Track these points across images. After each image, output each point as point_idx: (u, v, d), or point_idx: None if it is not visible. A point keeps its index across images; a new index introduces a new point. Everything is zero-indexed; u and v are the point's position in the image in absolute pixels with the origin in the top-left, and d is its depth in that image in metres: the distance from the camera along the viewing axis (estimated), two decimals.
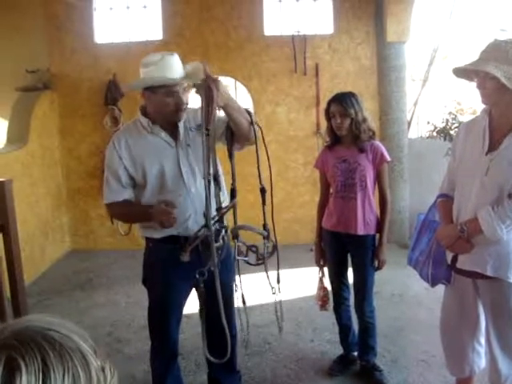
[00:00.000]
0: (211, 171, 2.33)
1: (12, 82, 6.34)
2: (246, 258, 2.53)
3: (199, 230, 2.48)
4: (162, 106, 2.57)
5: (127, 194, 2.68)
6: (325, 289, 3.64)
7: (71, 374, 0.78)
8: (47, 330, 0.81)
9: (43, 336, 0.80)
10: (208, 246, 2.34)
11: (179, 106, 2.57)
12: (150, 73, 2.53)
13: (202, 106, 2.27)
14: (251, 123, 2.47)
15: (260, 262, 2.47)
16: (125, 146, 2.63)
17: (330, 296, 3.64)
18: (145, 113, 2.68)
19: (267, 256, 2.47)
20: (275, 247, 2.49)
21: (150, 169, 2.62)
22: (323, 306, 3.68)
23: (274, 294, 2.55)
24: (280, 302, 2.62)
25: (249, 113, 2.51)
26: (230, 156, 2.62)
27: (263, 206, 2.47)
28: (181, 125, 2.66)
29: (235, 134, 2.55)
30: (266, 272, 2.47)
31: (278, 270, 2.50)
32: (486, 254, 2.40)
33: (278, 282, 2.56)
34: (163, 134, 2.64)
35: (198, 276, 2.39)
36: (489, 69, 2.26)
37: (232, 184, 2.57)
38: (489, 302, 2.50)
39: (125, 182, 2.65)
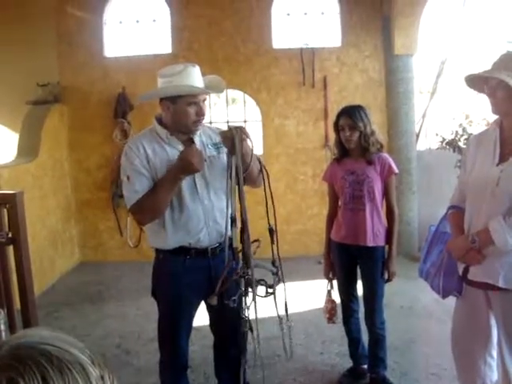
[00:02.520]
0: (231, 212, 2.45)
1: (23, 96, 6.42)
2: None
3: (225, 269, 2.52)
4: (182, 116, 2.56)
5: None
6: (333, 301, 3.62)
7: None
8: (43, 344, 0.80)
9: (40, 352, 0.78)
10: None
11: (200, 117, 2.58)
12: (171, 82, 2.53)
13: (235, 156, 2.41)
14: (260, 170, 2.57)
15: (268, 294, 2.55)
16: (143, 152, 2.59)
17: (338, 309, 3.62)
18: (160, 122, 2.67)
19: (275, 288, 2.55)
20: (281, 280, 2.59)
21: None
22: (330, 319, 3.66)
23: (281, 324, 2.59)
24: (289, 330, 2.65)
25: (259, 160, 2.59)
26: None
27: (272, 245, 2.55)
28: (197, 140, 2.66)
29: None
30: (276, 306, 2.56)
31: (285, 300, 2.58)
32: (497, 265, 2.39)
33: (286, 311, 2.62)
34: (180, 147, 2.61)
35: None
36: (501, 76, 2.27)
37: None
38: (501, 313, 2.47)
39: (146, 181, 2.58)
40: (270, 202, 2.50)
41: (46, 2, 6.59)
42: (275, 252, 2.53)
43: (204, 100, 2.60)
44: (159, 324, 2.81)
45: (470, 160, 2.58)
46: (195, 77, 2.56)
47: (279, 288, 2.57)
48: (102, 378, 0.83)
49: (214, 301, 2.50)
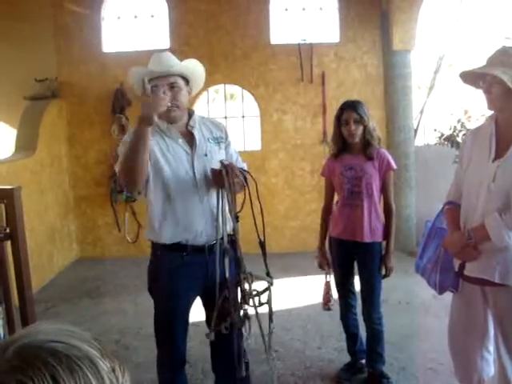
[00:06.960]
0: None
1: (21, 91, 6.42)
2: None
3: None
4: None
5: None
6: (328, 284, 3.64)
7: None
8: (50, 342, 0.78)
9: (47, 351, 0.76)
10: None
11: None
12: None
13: (228, 198, 2.51)
14: (245, 184, 2.62)
15: (259, 305, 2.61)
16: None
17: (335, 297, 3.63)
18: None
19: (267, 297, 2.63)
20: (268, 288, 2.64)
21: (165, 169, 2.58)
22: (326, 305, 3.66)
23: (264, 334, 2.68)
24: (270, 341, 2.70)
25: (244, 176, 2.62)
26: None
27: (264, 257, 2.64)
28: (196, 133, 2.66)
29: None
30: (258, 318, 2.63)
31: (270, 307, 2.65)
32: (493, 260, 2.39)
33: (271, 320, 2.68)
34: (180, 141, 2.63)
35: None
36: (496, 72, 2.27)
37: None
38: (497, 309, 2.48)
39: None
40: (259, 210, 2.55)
41: None
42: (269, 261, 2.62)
43: (169, 84, 2.56)
44: (156, 320, 2.80)
45: (467, 155, 2.59)
46: (155, 61, 2.61)
47: (272, 299, 2.64)
48: (113, 370, 0.81)
49: (212, 336, 2.54)
